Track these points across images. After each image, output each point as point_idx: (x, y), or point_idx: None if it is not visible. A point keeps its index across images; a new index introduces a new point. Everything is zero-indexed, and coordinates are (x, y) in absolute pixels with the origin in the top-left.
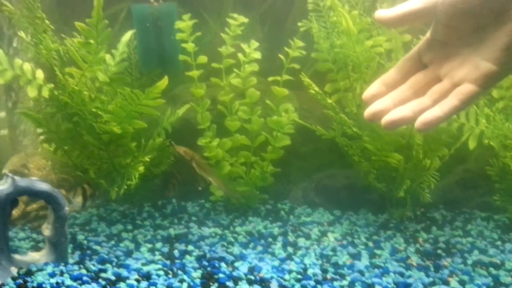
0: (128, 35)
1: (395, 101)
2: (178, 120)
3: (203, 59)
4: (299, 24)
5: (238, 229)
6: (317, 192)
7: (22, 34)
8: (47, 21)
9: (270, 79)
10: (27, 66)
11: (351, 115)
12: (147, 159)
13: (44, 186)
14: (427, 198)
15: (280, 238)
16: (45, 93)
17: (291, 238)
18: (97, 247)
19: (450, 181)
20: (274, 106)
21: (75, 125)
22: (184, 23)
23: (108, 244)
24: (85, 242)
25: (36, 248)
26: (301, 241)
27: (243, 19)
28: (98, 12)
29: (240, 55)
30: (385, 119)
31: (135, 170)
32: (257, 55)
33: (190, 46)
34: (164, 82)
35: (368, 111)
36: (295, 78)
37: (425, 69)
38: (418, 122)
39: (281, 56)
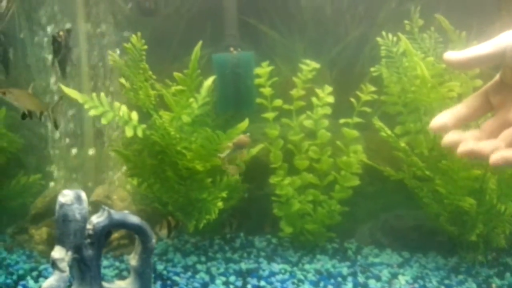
0: (210, 81)
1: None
2: (250, 158)
3: (278, 102)
4: (371, 69)
5: (306, 266)
6: (384, 232)
7: (122, 80)
8: (150, 72)
9: (342, 121)
10: (124, 108)
11: (422, 157)
12: (224, 195)
13: (135, 220)
14: (502, 244)
15: (350, 278)
16: (140, 132)
17: (361, 279)
18: (176, 278)
19: None
20: (343, 147)
21: (160, 162)
22: (263, 70)
23: (185, 275)
24: (164, 272)
25: (119, 276)
26: (372, 283)
27: (315, 65)
28: (194, 65)
29: (314, 99)
30: (463, 147)
31: (214, 206)
32: (330, 99)
33: (267, 91)
34: (245, 124)
35: (446, 138)
36: (364, 120)
37: (495, 113)
38: (497, 155)
39: (352, 99)
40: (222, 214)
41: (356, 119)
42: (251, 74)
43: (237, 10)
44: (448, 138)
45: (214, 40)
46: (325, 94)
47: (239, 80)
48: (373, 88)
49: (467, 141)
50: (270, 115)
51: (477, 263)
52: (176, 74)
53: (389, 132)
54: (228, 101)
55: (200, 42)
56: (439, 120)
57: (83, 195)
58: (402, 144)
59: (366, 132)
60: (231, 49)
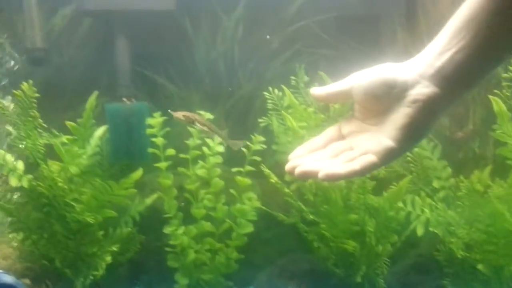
0: (101, 131)
1: (314, 160)
2: (146, 208)
3: (171, 151)
4: (259, 120)
5: None
6: (281, 277)
7: (10, 128)
8: (40, 120)
9: (234, 170)
10: (9, 157)
11: (309, 202)
12: (114, 248)
13: (8, 279)
14: (381, 284)
15: None
16: (25, 183)
17: None
18: None
19: (405, 266)
20: (237, 195)
21: (46, 215)
22: (155, 120)
23: None
24: None
25: None
26: None
27: (209, 115)
28: (88, 114)
29: (204, 148)
30: (298, 169)
31: (102, 260)
32: (221, 148)
33: (159, 141)
34: (138, 173)
35: (289, 165)
36: (257, 168)
37: (343, 140)
38: (321, 173)
39: (243, 149)
40: (118, 269)
41: (248, 168)
42: (144, 124)
43: (132, 62)
44: (291, 163)
45: (109, 90)
46: (216, 144)
47: (132, 130)
48: (262, 138)
49: (304, 163)
50: (162, 164)
51: None
52: (68, 123)
53: (276, 178)
54: (121, 150)
55: (96, 92)
56: (295, 153)
57: None
58: (287, 190)
59: (261, 179)
60: (124, 99)
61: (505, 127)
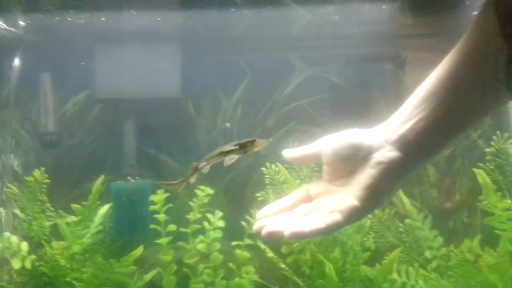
0: (104, 209)
1: (282, 221)
2: (145, 284)
3: (172, 227)
4: (257, 194)
5: None
6: None
7: (17, 211)
8: (48, 204)
9: (233, 243)
10: (14, 239)
11: (306, 275)
12: None
13: None
14: None
15: None
16: (28, 264)
17: None
18: None
19: None
20: (236, 269)
21: None
22: (158, 197)
23: None
24: None
25: None
26: None
27: (209, 191)
28: (94, 197)
29: (205, 223)
30: (264, 230)
31: None
32: (221, 223)
33: (161, 217)
34: (138, 251)
35: (257, 225)
36: (255, 242)
37: (310, 201)
38: (287, 232)
39: (243, 222)
40: None
41: (248, 241)
42: (146, 201)
43: (137, 143)
44: (258, 224)
45: (115, 170)
46: (216, 219)
47: (134, 207)
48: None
49: (270, 224)
50: (163, 240)
51: None
52: (73, 206)
53: (272, 253)
54: (124, 227)
55: (102, 176)
56: (263, 212)
57: None
58: (282, 265)
59: (259, 251)
60: (129, 177)
61: (490, 198)
